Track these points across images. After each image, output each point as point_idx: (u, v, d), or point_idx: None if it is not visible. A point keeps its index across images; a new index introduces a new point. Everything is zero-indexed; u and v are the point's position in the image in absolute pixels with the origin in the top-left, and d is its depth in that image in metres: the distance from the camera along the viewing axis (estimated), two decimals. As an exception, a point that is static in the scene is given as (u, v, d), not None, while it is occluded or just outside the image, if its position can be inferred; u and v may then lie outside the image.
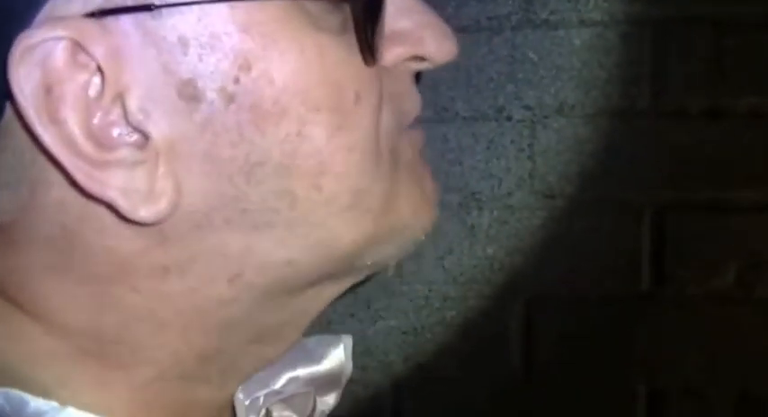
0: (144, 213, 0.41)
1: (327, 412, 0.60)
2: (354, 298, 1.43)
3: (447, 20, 1.42)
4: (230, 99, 0.41)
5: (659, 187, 1.39)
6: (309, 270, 0.46)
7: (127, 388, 0.46)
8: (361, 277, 0.50)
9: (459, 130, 1.41)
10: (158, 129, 0.41)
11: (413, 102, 0.50)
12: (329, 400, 0.59)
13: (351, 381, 1.44)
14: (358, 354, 1.40)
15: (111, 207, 0.42)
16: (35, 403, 0.43)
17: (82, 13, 0.40)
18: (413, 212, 0.48)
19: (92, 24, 0.40)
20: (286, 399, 0.56)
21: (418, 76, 0.52)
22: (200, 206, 0.43)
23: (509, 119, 1.40)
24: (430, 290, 1.43)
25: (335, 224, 0.45)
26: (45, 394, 0.44)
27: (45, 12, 0.40)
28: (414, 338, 1.43)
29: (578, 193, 1.40)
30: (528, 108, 1.40)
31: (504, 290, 1.42)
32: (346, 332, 1.42)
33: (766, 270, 1.38)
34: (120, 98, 0.41)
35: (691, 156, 1.37)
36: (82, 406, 0.44)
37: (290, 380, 0.55)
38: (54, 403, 0.43)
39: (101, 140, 0.41)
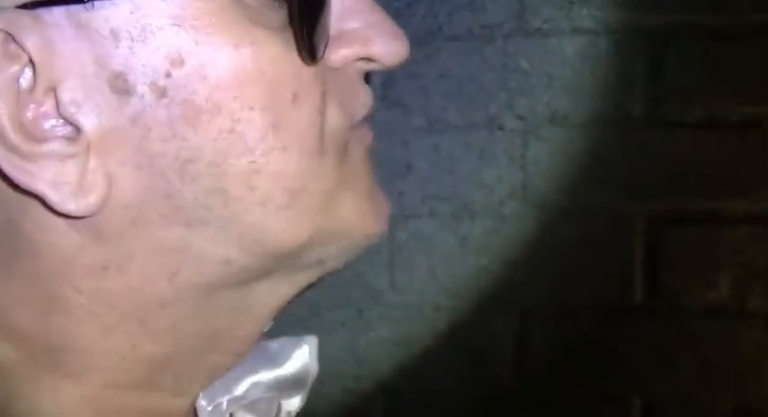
0: (73, 206, 0.41)
1: (294, 413, 0.59)
2: (346, 308, 1.44)
3: (439, 28, 1.41)
4: (162, 93, 0.40)
5: (652, 197, 1.38)
6: (248, 268, 0.45)
7: (79, 399, 0.45)
8: (310, 278, 0.49)
9: (451, 140, 1.41)
10: (90, 122, 0.41)
11: (362, 101, 0.48)
12: (294, 402, 0.58)
13: (342, 391, 1.43)
14: (350, 364, 1.40)
15: (42, 200, 0.41)
16: None
17: (13, 4, 0.40)
18: (357, 216, 0.47)
19: (24, 16, 0.39)
20: (249, 404, 0.54)
21: (368, 76, 0.52)
22: (134, 201, 0.42)
23: (501, 128, 1.40)
24: (422, 301, 1.43)
25: (272, 223, 0.44)
26: (2, 407, 0.44)
27: None
28: (405, 348, 1.43)
29: (571, 203, 1.40)
30: (520, 117, 1.40)
31: (496, 301, 1.42)
32: (338, 342, 1.43)
33: (760, 282, 1.38)
34: (52, 90, 0.41)
35: (684, 166, 1.37)
36: (39, 413, 0.44)
37: (253, 385, 0.54)
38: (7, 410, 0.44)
39: (32, 132, 0.41)
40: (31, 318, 0.44)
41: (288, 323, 1.53)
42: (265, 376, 0.55)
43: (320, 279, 0.50)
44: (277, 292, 0.48)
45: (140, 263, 0.43)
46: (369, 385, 1.43)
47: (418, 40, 1.39)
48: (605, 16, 1.37)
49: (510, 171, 1.40)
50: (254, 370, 0.54)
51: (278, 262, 0.46)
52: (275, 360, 0.55)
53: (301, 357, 0.56)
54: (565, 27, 1.38)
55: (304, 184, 0.44)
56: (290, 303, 0.50)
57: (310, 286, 0.50)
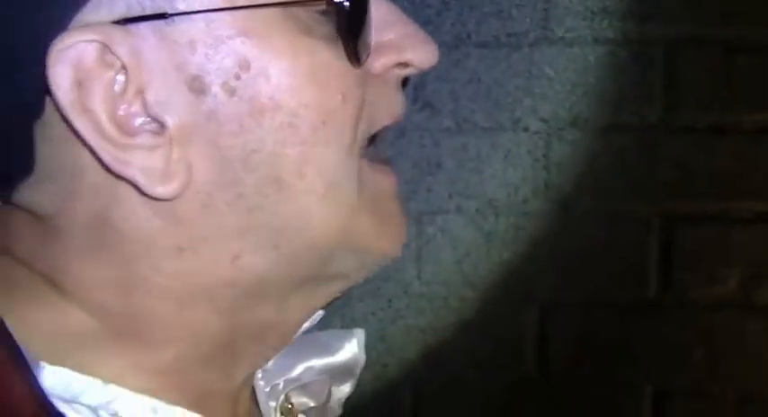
0: (161, 190, 0.48)
1: (343, 399, 0.66)
2: (376, 298, 1.49)
3: (468, 36, 1.47)
4: (232, 92, 0.47)
5: (667, 198, 1.45)
6: (291, 261, 0.51)
7: (153, 367, 0.51)
8: (336, 291, 0.56)
9: (479, 140, 1.47)
10: (172, 119, 0.47)
11: (391, 111, 0.55)
12: (345, 388, 0.65)
13: (371, 377, 1.49)
14: (379, 351, 1.46)
15: (134, 186, 0.48)
16: (81, 380, 0.49)
17: (108, 20, 0.46)
18: (375, 235, 0.53)
19: (117, 29, 0.46)
20: (303, 386, 0.62)
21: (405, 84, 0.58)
22: (205, 188, 0.48)
23: (526, 130, 1.47)
24: (448, 292, 1.49)
25: (312, 213, 0.50)
26: (90, 372, 0.49)
27: (77, 19, 0.46)
28: (432, 337, 1.49)
29: (590, 202, 1.46)
30: (544, 120, 1.46)
31: (519, 294, 1.48)
32: (368, 330, 1.49)
33: (766, 278, 1.45)
34: (140, 92, 0.47)
35: (697, 169, 1.44)
36: (121, 384, 0.50)
37: (306, 369, 0.61)
38: (98, 381, 0.49)
39: (124, 127, 0.47)
40: (114, 296, 0.51)
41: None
42: (318, 362, 0.63)
43: (344, 293, 0.57)
44: (309, 302, 0.56)
45: (210, 245, 0.50)
46: (397, 372, 1.49)
47: (448, 47, 1.45)
48: (625, 27, 1.44)
49: (533, 171, 1.47)
50: (307, 356, 0.62)
51: (313, 264, 0.52)
52: (327, 349, 0.63)
53: (351, 348, 0.64)
54: (587, 37, 1.45)
55: (338, 179, 0.50)
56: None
57: (336, 298, 0.57)
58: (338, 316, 1.48)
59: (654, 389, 1.47)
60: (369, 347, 1.48)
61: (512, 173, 1.47)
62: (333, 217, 0.51)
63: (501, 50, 1.46)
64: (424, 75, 1.46)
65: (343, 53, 0.50)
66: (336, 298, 0.57)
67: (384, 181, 0.55)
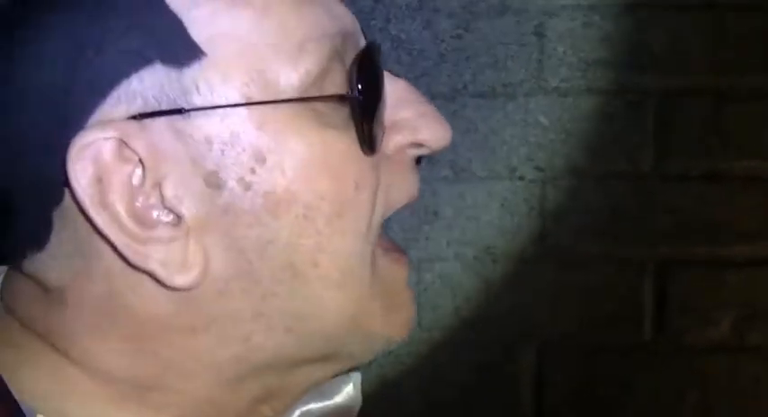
0: (179, 281, 0.48)
1: None
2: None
3: (464, 86, 1.48)
4: (248, 187, 0.48)
5: (661, 244, 1.48)
6: (302, 344, 0.52)
7: None
8: (341, 368, 0.57)
9: (476, 189, 1.49)
10: (189, 212, 0.48)
11: (407, 191, 0.55)
12: None
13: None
14: (380, 397, 1.47)
15: (151, 275, 0.48)
16: None
17: (125, 116, 0.47)
18: (384, 322, 0.54)
19: (133, 125, 0.47)
20: None
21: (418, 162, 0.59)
22: (221, 276, 0.49)
23: (521, 179, 1.49)
24: (447, 337, 1.51)
25: (325, 298, 0.51)
26: None
27: (95, 116, 0.47)
28: (432, 382, 1.51)
29: (586, 249, 1.48)
30: (539, 169, 1.49)
31: (517, 338, 1.50)
32: (369, 377, 1.50)
33: (759, 320, 1.48)
34: (158, 185, 0.48)
35: (690, 216, 1.47)
36: None
37: (303, 414, 0.62)
38: None
39: (143, 220, 0.47)
40: (120, 365, 0.51)
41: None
42: (315, 405, 0.63)
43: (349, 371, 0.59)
44: (314, 376, 0.56)
45: (222, 327, 0.50)
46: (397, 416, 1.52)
47: (445, 98, 1.47)
48: (618, 77, 1.46)
49: (529, 219, 1.49)
50: (305, 401, 0.62)
51: (324, 345, 0.53)
52: (323, 393, 0.63)
53: (348, 390, 0.64)
54: (581, 86, 1.47)
55: (352, 266, 0.51)
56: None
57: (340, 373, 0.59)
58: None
59: (650, 431, 1.49)
60: (370, 394, 1.50)
61: (508, 220, 1.49)
62: (346, 304, 0.52)
63: (497, 100, 1.48)
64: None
65: (356, 140, 0.50)
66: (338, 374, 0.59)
67: (397, 270, 0.56)
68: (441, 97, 1.47)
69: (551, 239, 1.49)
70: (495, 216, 1.49)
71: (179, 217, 0.48)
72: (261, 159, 0.47)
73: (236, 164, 0.47)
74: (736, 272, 1.47)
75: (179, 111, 0.47)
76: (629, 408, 1.50)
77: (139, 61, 0.47)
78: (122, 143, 0.47)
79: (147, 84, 0.47)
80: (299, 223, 0.49)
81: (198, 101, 0.47)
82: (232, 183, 0.47)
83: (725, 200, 1.46)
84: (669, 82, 1.46)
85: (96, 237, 0.49)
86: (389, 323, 0.55)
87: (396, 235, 1.47)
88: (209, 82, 0.47)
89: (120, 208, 0.47)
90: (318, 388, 0.64)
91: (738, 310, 1.47)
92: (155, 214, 0.48)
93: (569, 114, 1.48)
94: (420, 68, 1.46)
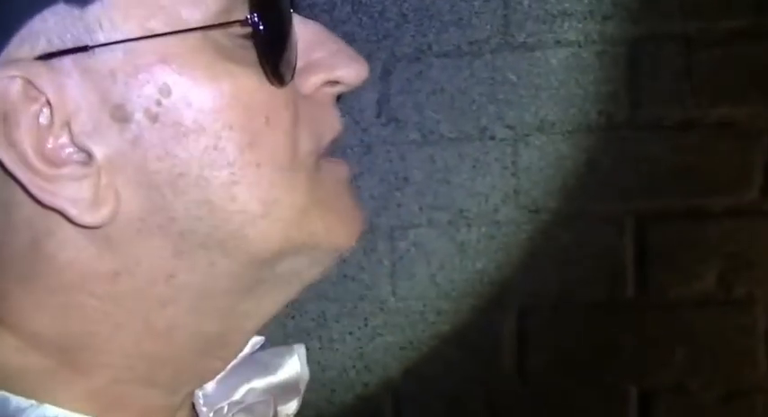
0: (89, 218, 0.48)
1: (291, 416, 0.65)
2: (352, 318, 1.48)
3: (429, 47, 1.46)
4: (154, 118, 0.48)
5: (639, 197, 1.45)
6: (232, 274, 0.51)
7: (89, 393, 0.52)
8: (290, 293, 0.56)
9: (445, 151, 1.47)
10: (99, 148, 0.48)
11: (332, 125, 0.55)
12: (291, 406, 0.65)
13: (353, 397, 1.48)
14: (358, 370, 1.45)
15: (64, 215, 0.48)
16: (16, 400, 0.50)
17: (30, 56, 0.48)
18: (327, 230, 0.53)
19: (39, 65, 0.47)
20: (247, 407, 0.62)
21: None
22: (137, 213, 0.49)
23: (492, 138, 1.46)
24: (424, 306, 1.48)
25: (249, 231, 0.50)
26: (26, 393, 0.50)
27: (1, 56, 0.47)
28: (411, 352, 1.48)
29: (562, 207, 1.46)
30: (510, 127, 1.46)
31: (495, 302, 1.47)
32: (347, 350, 1.48)
33: (744, 272, 1.45)
34: (67, 124, 0.48)
35: (667, 167, 1.44)
36: (57, 405, 0.51)
37: (249, 391, 0.61)
38: (33, 401, 0.50)
39: (52, 159, 0.48)
40: (49, 323, 0.51)
41: (297, 334, 1.58)
42: (259, 382, 0.62)
43: (300, 293, 0.56)
44: (262, 307, 0.55)
45: (145, 268, 0.50)
46: (378, 390, 1.48)
47: (409, 59, 1.44)
48: (586, 28, 1.43)
49: (502, 178, 1.46)
50: (248, 378, 0.61)
51: (257, 271, 0.52)
52: (267, 368, 0.63)
53: (292, 364, 0.63)
54: (548, 40, 1.44)
55: (276, 197, 0.50)
56: (275, 317, 0.56)
57: (292, 301, 0.56)
58: (315, 338, 1.47)
59: (638, 389, 1.46)
60: (348, 367, 1.47)
61: (481, 181, 1.46)
62: (272, 232, 0.51)
63: (463, 59, 1.46)
64: (387, 89, 1.45)
65: (264, 76, 0.50)
66: (292, 301, 0.56)
67: (337, 171, 0.55)
68: (405, 58, 1.44)
69: (526, 199, 1.46)
70: (466, 178, 1.47)
71: (90, 156, 0.49)
72: (166, 91, 0.48)
73: (140, 97, 0.48)
74: (716, 223, 1.44)
75: (83, 49, 0.48)
76: (616, 368, 1.46)
77: (41, 1, 0.47)
78: (28, 82, 0.47)
79: (51, 23, 0.48)
80: (209, 154, 0.49)
81: (101, 37, 0.48)
82: (138, 116, 0.48)
83: (701, 149, 1.43)
84: (639, 30, 1.43)
85: (13, 185, 0.49)
86: (334, 234, 0.54)
87: (366, 202, 1.43)
88: (111, 18, 0.48)
89: (28, 147, 0.47)
90: (261, 362, 0.63)
91: (723, 262, 1.44)
92: (65, 152, 0.49)
93: (538, 69, 1.45)
94: (382, 30, 1.43)
